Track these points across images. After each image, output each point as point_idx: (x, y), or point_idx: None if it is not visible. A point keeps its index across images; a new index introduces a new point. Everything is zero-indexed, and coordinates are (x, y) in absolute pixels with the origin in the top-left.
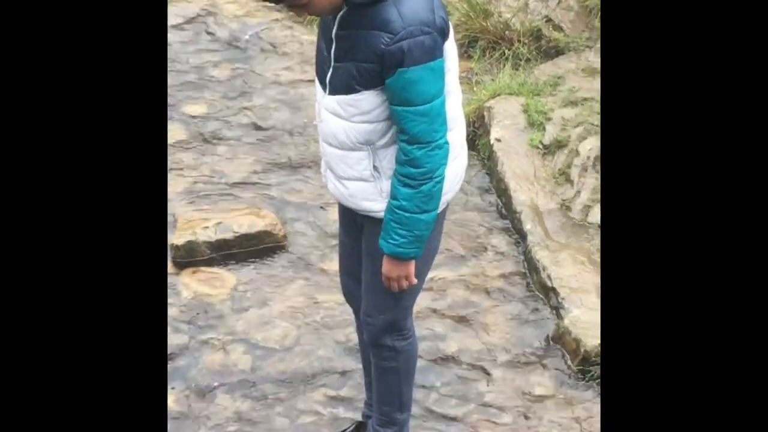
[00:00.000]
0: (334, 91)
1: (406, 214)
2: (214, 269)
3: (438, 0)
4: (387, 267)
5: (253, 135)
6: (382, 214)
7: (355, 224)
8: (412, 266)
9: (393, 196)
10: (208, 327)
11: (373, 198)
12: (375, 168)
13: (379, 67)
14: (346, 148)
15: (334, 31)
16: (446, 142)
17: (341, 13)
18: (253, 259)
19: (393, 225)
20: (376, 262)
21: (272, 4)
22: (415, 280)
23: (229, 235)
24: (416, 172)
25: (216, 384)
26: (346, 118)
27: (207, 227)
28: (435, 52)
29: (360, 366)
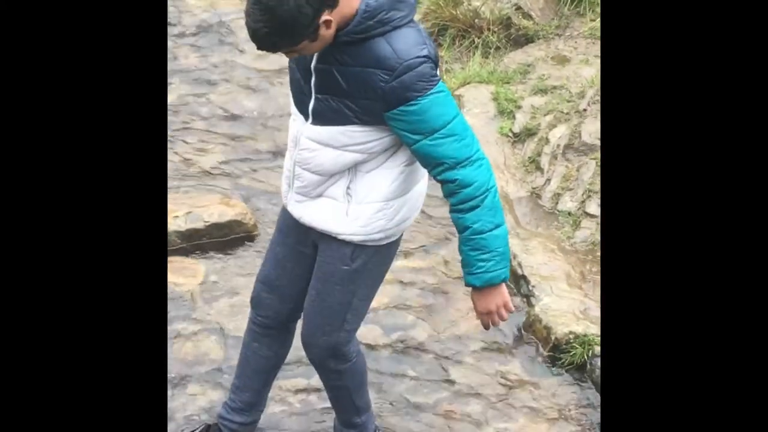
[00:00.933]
0: (321, 122)
1: (482, 236)
2: (185, 259)
3: (425, 32)
4: (482, 302)
5: (222, 124)
6: (343, 236)
7: (302, 239)
8: (505, 291)
9: (461, 229)
10: (179, 317)
11: (339, 219)
12: (348, 189)
13: (382, 105)
14: (330, 175)
15: (313, 63)
16: (483, 156)
17: None
18: (223, 249)
19: (473, 255)
20: (326, 283)
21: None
22: (512, 308)
23: (199, 225)
24: (471, 191)
25: (187, 374)
26: (337, 147)
27: (177, 217)
28: (434, 75)
29: None
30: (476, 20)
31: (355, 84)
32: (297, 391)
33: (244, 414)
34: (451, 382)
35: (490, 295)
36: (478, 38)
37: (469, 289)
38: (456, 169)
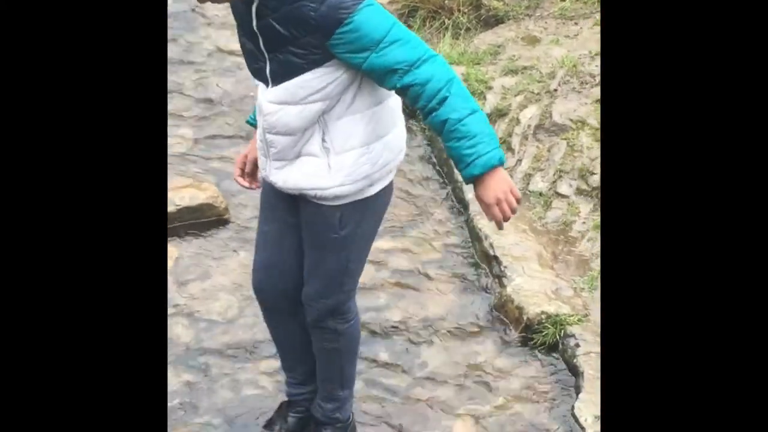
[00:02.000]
0: (277, 81)
1: (462, 123)
2: None
3: None
4: (488, 192)
5: (193, 107)
6: (329, 192)
7: (288, 211)
8: (507, 175)
9: (438, 126)
10: None
11: (322, 174)
12: (324, 143)
13: (320, 36)
14: (298, 133)
15: (254, 24)
16: (435, 54)
17: (255, 4)
18: (195, 232)
19: (460, 146)
20: (319, 250)
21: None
22: (519, 193)
23: (170, 208)
24: (435, 84)
25: None
26: (298, 102)
27: None
28: None
29: None
30: (446, 1)
31: (292, 24)
32: (271, 373)
33: (306, 384)
34: (424, 362)
35: (493, 181)
36: (449, 19)
37: (441, 271)
38: (412, 71)
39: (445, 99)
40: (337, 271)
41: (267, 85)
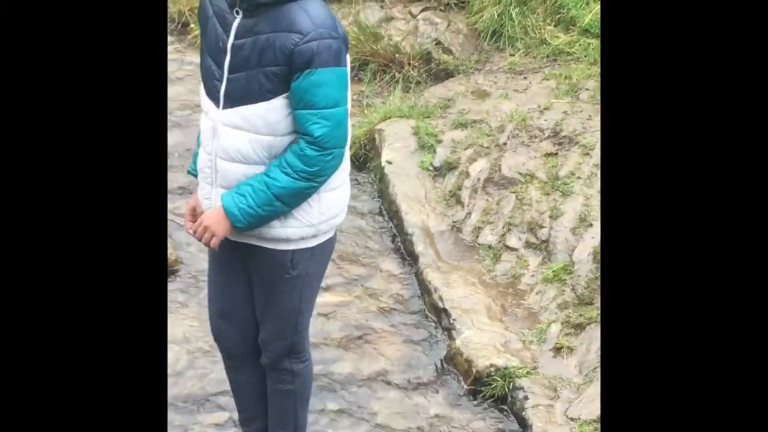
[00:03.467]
0: (232, 104)
1: (267, 194)
2: None
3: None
4: (212, 219)
5: None
6: (280, 237)
7: (237, 258)
8: (229, 230)
9: (267, 174)
10: None
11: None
12: None
13: (287, 69)
14: (251, 162)
15: (230, 42)
16: (342, 154)
17: (237, 21)
18: None
19: (250, 191)
20: (271, 292)
21: None
22: (218, 243)
23: None
24: (302, 169)
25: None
26: (251, 131)
27: None
28: (341, 58)
29: None
30: (397, 55)
31: (268, 50)
32: (221, 425)
33: None
34: (374, 414)
35: (222, 222)
36: (399, 73)
37: (390, 324)
38: (311, 146)
39: (293, 179)
40: (290, 312)
41: (217, 106)
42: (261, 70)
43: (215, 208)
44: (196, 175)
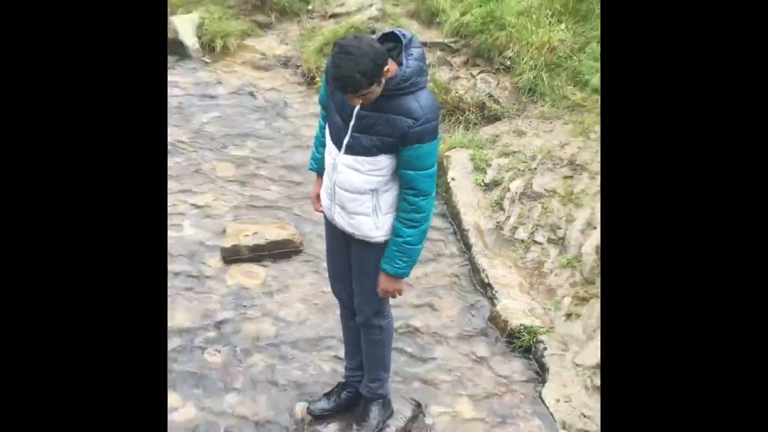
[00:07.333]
0: (351, 153)
1: (410, 247)
2: (251, 265)
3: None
4: (387, 283)
5: (280, 172)
6: (376, 239)
7: (347, 246)
8: (402, 283)
9: (398, 235)
10: (246, 306)
11: (372, 228)
12: (375, 207)
13: (398, 141)
14: (358, 193)
15: (356, 110)
16: (434, 193)
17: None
18: (278, 259)
19: (398, 254)
20: (365, 273)
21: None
22: (402, 293)
23: (262, 242)
24: (419, 217)
25: (251, 346)
26: (363, 172)
27: (247, 235)
28: (437, 132)
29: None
30: (461, 103)
31: (387, 126)
32: (328, 360)
33: (357, 370)
34: (437, 356)
35: (394, 282)
36: (462, 116)
37: (451, 293)
38: (419, 198)
39: (417, 227)
40: (374, 287)
41: (339, 150)
42: (378, 137)
43: (383, 276)
44: (315, 170)
